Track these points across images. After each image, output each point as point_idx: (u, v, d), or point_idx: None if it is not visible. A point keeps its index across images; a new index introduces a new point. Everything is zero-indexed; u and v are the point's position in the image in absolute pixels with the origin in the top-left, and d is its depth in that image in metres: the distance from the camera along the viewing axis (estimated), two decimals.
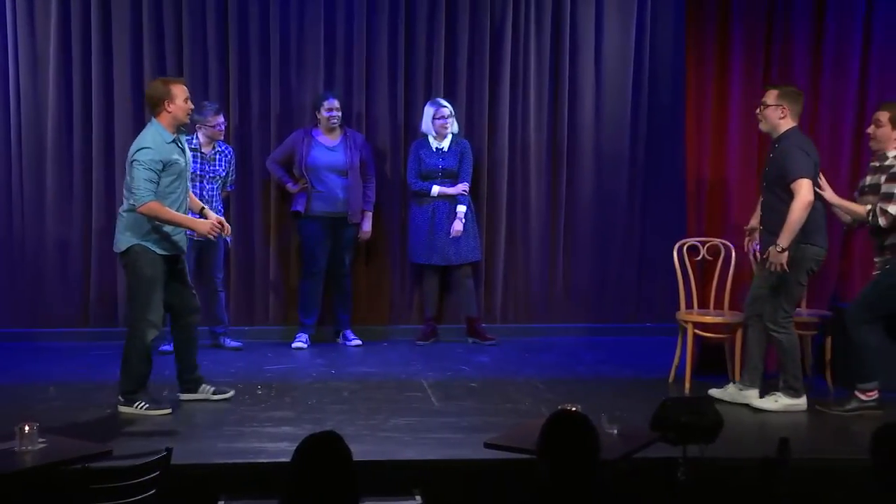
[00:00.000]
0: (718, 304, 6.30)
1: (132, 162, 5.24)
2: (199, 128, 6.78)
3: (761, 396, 5.65)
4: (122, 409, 5.41)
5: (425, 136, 7.18)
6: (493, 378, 6.28)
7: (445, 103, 7.13)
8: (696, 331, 6.13)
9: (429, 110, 7.14)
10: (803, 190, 5.35)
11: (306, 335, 7.20)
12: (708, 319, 6.19)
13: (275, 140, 7.33)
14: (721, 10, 6.45)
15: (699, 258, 6.37)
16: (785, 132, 5.50)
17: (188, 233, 5.58)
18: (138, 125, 7.24)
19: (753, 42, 6.45)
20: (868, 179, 5.61)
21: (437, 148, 7.14)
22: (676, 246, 6.34)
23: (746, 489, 3.97)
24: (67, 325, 7.31)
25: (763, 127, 5.60)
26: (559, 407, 4.02)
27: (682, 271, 6.28)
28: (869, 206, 5.53)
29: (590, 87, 7.53)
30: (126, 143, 7.18)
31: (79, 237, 7.31)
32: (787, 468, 3.87)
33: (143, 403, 5.38)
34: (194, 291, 5.61)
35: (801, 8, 6.45)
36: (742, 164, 6.50)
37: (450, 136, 7.15)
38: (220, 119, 6.80)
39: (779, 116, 5.49)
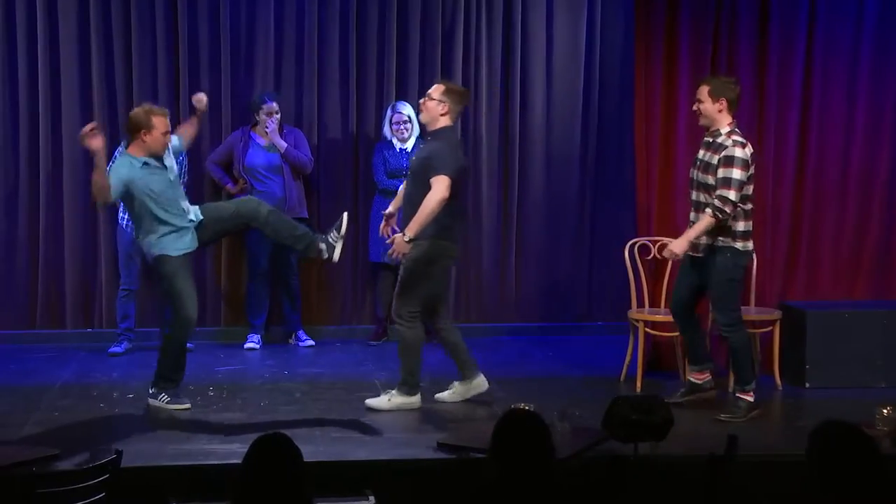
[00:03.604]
0: (669, 303, 6.35)
1: None
2: None
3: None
4: (150, 401, 5.53)
5: (388, 138, 7.19)
6: (445, 377, 6.29)
7: (403, 108, 7.15)
8: (648, 329, 6.18)
9: (388, 114, 7.17)
10: (441, 186, 5.37)
11: (258, 336, 7.15)
12: (659, 318, 6.24)
13: (224, 140, 7.28)
14: (669, 12, 6.51)
15: (650, 257, 6.42)
16: (442, 128, 5.55)
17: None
18: (85, 123, 7.16)
19: (701, 43, 6.52)
20: (700, 154, 5.51)
21: (400, 149, 7.15)
22: (627, 245, 6.40)
23: (695, 485, 4.01)
24: (12, 327, 7.18)
25: (422, 118, 5.67)
26: (511, 406, 4.05)
27: (633, 270, 6.33)
28: (707, 208, 5.35)
29: (540, 89, 7.55)
30: (73, 139, 7.12)
31: (25, 236, 7.19)
32: (735, 465, 3.92)
33: (165, 396, 5.49)
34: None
35: (747, 6, 6.53)
36: (690, 164, 6.54)
37: (413, 138, 7.16)
38: None
39: (439, 112, 5.53)
